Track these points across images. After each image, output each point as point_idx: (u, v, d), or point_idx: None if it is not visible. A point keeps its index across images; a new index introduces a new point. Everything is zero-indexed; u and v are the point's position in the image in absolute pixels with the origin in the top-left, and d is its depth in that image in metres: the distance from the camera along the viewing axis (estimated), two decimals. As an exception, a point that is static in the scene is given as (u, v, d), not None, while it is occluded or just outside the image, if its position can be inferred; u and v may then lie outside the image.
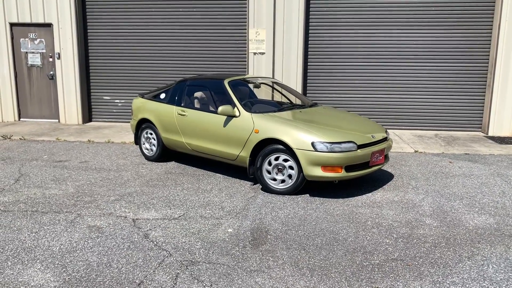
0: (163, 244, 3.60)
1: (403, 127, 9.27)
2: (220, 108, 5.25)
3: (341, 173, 4.65)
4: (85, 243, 3.62)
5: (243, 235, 3.79)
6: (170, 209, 4.45)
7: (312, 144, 4.63)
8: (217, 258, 3.38)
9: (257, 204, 4.60)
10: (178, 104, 6.03)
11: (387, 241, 3.72)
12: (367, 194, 4.98)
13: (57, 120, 9.84)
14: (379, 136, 5.17)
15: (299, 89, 9.01)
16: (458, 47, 8.87)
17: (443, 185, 5.38)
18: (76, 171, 5.87)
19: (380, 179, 5.60)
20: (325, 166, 4.61)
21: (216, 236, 3.78)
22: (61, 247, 3.54)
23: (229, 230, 3.91)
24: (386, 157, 5.33)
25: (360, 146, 4.79)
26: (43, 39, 9.57)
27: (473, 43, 8.83)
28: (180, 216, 4.23)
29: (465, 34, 8.81)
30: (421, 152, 7.21)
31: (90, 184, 5.27)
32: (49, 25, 9.44)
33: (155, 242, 3.63)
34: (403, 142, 8.03)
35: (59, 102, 9.62)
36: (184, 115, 5.86)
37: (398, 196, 4.93)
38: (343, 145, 4.65)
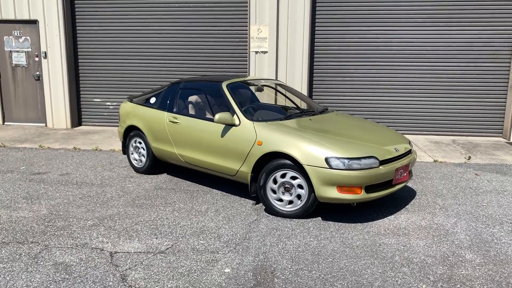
0: (144, 291, 2.88)
1: (417, 132, 8.53)
2: (217, 116, 4.50)
3: (361, 195, 3.91)
4: (46, 289, 2.90)
5: (244, 278, 3.06)
6: (157, 238, 3.72)
7: (326, 160, 3.90)
8: (211, 313, 2.65)
9: (260, 232, 3.87)
10: (170, 110, 5.30)
11: (424, 286, 2.99)
12: (389, 217, 4.25)
13: (44, 124, 9.12)
14: (403, 148, 4.43)
15: (304, 91, 8.27)
16: (477, 45, 8.12)
17: (475, 205, 4.65)
18: (54, 186, 5.16)
19: (401, 197, 4.87)
20: (342, 186, 3.87)
21: (210, 279, 3.05)
22: (15, 295, 2.82)
23: (227, 270, 3.18)
24: (410, 173, 4.60)
25: (382, 162, 4.05)
26: (28, 37, 8.85)
27: (493, 42, 8.08)
28: (167, 249, 3.51)
29: (485, 32, 8.06)
30: (441, 162, 6.48)
31: (67, 204, 4.55)
32: (34, 22, 8.72)
33: (133, 288, 2.92)
34: (419, 149, 7.30)
35: (46, 104, 8.90)
36: (176, 122, 5.13)
37: (425, 220, 4.20)
38: (363, 161, 3.91)
